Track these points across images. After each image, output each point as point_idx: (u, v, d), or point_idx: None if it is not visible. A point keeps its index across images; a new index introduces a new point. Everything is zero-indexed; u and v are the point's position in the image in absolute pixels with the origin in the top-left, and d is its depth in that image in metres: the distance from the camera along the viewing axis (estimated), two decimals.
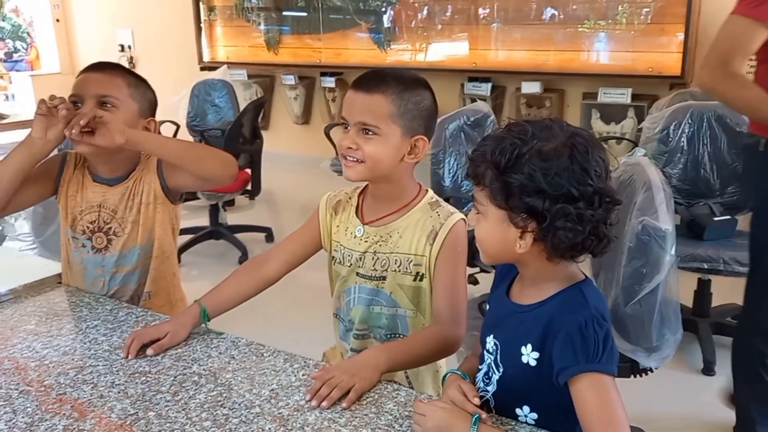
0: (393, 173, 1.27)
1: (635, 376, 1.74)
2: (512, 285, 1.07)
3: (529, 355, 0.97)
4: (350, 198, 1.36)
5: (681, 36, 4.17)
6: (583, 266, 1.87)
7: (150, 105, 1.53)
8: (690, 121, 2.75)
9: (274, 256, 1.38)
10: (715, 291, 2.76)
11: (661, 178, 1.71)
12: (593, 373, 0.90)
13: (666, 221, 1.63)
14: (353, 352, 1.34)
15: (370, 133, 1.22)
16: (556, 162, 0.91)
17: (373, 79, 1.24)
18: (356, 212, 1.34)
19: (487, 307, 1.15)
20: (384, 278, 1.30)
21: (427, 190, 1.33)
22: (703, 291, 2.74)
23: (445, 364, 1.37)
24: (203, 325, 1.31)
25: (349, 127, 1.24)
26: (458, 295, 1.27)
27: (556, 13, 4.64)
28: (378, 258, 1.30)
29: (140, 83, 1.52)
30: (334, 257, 1.36)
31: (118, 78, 1.46)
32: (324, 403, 1.04)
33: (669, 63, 4.27)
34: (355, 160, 1.23)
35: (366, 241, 1.30)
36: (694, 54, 4.21)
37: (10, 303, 1.45)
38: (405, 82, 1.24)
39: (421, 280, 1.29)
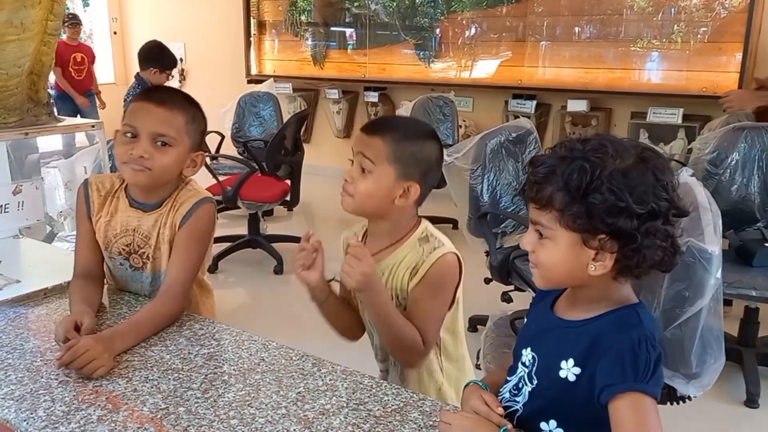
0: (385, 212, 1.30)
1: (672, 404, 1.66)
2: (557, 299, 1.04)
3: (569, 370, 0.94)
4: (356, 234, 1.39)
5: (739, 56, 4.06)
6: None
7: (201, 137, 1.47)
8: (744, 143, 2.66)
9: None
10: (763, 320, 2.65)
11: (709, 199, 1.65)
12: (637, 393, 0.87)
13: (712, 243, 1.56)
14: (382, 373, 1.41)
15: (366, 171, 1.27)
16: (639, 178, 0.87)
17: (376, 123, 1.39)
18: None
19: (526, 320, 1.12)
20: None
21: (420, 224, 1.33)
22: (749, 319, 2.63)
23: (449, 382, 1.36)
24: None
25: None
26: (428, 329, 1.26)
27: (608, 32, 4.59)
28: None
29: (197, 115, 1.45)
30: None
31: (179, 115, 1.39)
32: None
33: (725, 83, 4.16)
34: (347, 193, 1.29)
35: None
36: (752, 74, 4.09)
37: (55, 298, 1.50)
38: (406, 131, 1.30)
39: None
